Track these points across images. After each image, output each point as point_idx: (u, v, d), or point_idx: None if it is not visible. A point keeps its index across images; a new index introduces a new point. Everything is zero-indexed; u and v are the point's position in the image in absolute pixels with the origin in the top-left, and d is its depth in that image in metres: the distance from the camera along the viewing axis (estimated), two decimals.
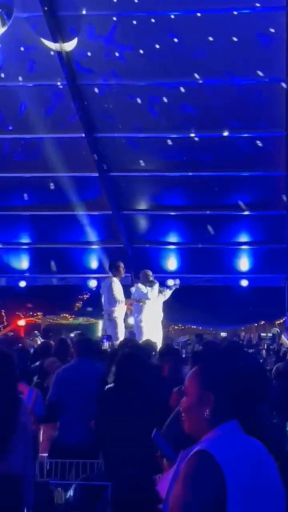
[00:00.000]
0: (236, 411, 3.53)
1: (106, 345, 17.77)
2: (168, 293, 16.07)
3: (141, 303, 14.98)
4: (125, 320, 15.31)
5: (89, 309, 22.52)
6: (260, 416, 5.20)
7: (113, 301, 14.60)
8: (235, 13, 15.83)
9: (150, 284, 15.51)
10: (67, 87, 17.61)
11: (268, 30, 16.08)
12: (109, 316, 14.73)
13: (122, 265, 15.36)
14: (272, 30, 16.01)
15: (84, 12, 16.27)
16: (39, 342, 16.57)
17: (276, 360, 13.37)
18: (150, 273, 16.08)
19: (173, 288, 16.39)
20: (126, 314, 15.36)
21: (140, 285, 15.42)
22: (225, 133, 18.39)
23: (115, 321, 14.60)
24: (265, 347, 18.90)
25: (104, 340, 19.07)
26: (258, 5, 15.64)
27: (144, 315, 15.13)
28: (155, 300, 15.55)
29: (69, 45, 16.72)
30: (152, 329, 15.24)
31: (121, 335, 14.50)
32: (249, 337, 22.32)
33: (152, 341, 13.02)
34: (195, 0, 15.72)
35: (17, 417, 5.54)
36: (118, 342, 13.88)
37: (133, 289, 15.93)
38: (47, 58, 16.99)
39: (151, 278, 15.67)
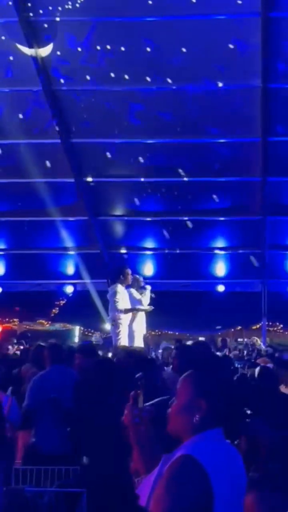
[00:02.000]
0: (223, 420, 3.58)
1: None
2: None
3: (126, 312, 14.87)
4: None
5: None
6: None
7: (116, 307, 14.52)
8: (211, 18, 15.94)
9: (141, 289, 15.46)
10: (43, 92, 17.57)
11: (243, 35, 16.14)
12: (114, 322, 14.66)
13: (129, 271, 15.22)
14: (247, 36, 16.08)
15: (59, 17, 16.23)
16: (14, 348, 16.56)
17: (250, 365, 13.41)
18: (141, 278, 16.04)
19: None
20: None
21: (132, 290, 15.34)
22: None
23: (119, 327, 14.52)
24: (244, 353, 18.95)
25: None
26: (232, 10, 15.71)
27: (136, 323, 15.08)
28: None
29: (45, 51, 16.68)
30: (141, 335, 15.23)
31: (124, 342, 14.44)
32: (225, 342, 22.35)
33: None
34: (172, 6, 15.71)
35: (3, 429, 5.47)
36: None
37: None
38: (23, 63, 16.93)
39: (142, 284, 15.63)
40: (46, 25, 16.32)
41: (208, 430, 3.52)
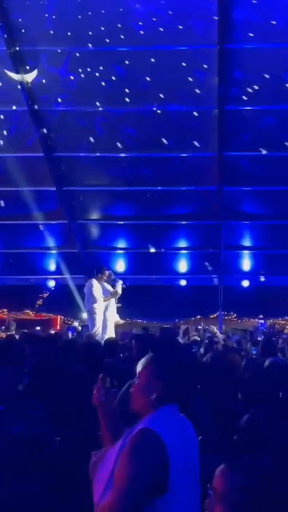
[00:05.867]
0: (176, 396, 3.61)
1: (69, 335, 17.74)
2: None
3: (105, 301, 14.84)
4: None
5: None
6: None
7: (92, 299, 14.51)
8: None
9: (113, 282, 15.42)
10: (28, 112, 17.56)
11: (202, 64, 16.20)
12: (89, 312, 14.66)
13: (106, 271, 15.20)
14: (205, 64, 16.14)
15: (43, 47, 16.22)
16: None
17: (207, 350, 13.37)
18: (110, 272, 15.95)
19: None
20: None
21: (105, 283, 15.30)
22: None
23: (94, 316, 14.53)
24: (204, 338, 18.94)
25: (69, 331, 19.08)
26: (192, 42, 15.77)
27: (108, 312, 15.01)
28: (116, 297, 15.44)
29: (30, 76, 16.65)
30: (113, 323, 15.18)
31: (99, 329, 14.46)
32: (187, 331, 22.33)
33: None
34: (140, 37, 15.72)
35: None
36: (94, 333, 14.00)
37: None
38: (10, 86, 16.90)
39: (113, 277, 15.58)
40: (31, 54, 16.33)
41: (164, 406, 3.55)
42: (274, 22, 15.32)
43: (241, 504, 2.61)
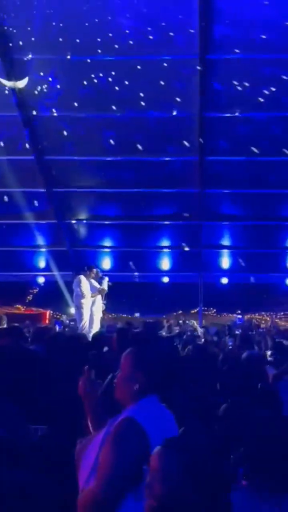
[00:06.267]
0: (158, 388, 3.61)
1: (57, 328, 17.70)
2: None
3: (93, 297, 14.83)
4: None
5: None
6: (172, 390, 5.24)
7: (80, 295, 14.52)
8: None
9: (100, 280, 15.42)
10: (19, 117, 17.51)
11: (184, 72, 16.19)
12: (77, 307, 14.68)
13: (94, 269, 15.21)
14: (187, 73, 16.13)
15: (34, 55, 16.14)
16: None
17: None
18: (98, 271, 15.96)
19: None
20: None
21: (92, 280, 15.31)
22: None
23: (82, 311, 14.54)
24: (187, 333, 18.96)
25: (56, 325, 19.04)
26: (175, 52, 15.75)
27: (95, 307, 15.01)
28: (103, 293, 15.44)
29: (21, 83, 16.57)
30: (99, 317, 15.19)
31: (86, 322, 14.47)
32: (170, 326, 22.36)
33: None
34: (127, 48, 15.66)
35: None
36: (82, 327, 14.03)
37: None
38: (3, 93, 16.82)
39: (100, 275, 15.59)
40: (22, 62, 16.22)
41: (146, 397, 3.55)
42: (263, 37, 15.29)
43: (178, 481, 2.61)
